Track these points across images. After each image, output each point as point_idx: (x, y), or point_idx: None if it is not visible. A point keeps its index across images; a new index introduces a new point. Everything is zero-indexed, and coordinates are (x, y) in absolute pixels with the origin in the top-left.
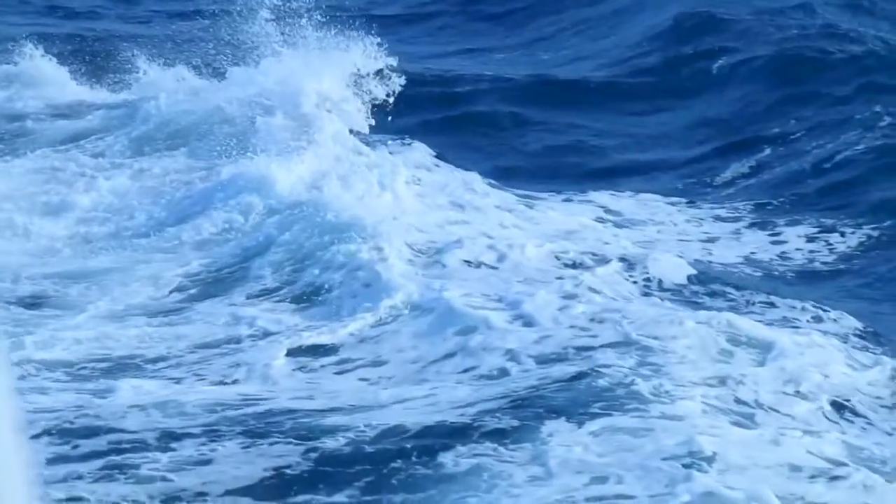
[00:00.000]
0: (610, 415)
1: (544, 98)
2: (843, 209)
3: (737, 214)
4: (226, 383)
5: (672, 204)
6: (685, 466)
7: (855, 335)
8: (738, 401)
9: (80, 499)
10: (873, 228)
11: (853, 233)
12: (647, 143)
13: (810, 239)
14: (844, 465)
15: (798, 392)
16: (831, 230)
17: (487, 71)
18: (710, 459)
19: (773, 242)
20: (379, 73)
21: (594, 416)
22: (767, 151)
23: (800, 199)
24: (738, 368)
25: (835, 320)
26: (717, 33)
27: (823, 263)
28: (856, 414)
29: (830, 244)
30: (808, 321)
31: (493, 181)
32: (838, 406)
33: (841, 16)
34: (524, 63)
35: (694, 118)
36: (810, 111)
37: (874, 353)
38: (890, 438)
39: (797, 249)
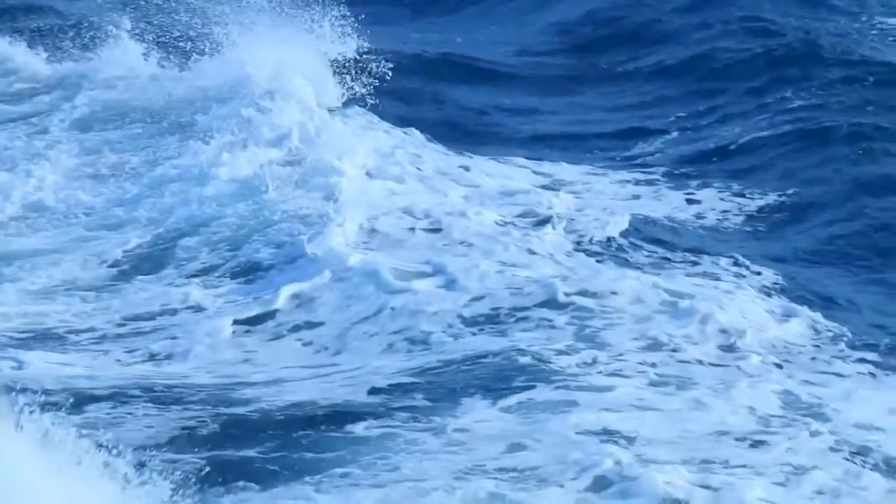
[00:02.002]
0: (534, 386)
1: (461, 76)
2: (750, 177)
3: (654, 178)
4: (149, 355)
5: (593, 173)
6: (602, 442)
7: (776, 290)
8: (668, 364)
9: None
10: (779, 195)
11: (761, 198)
12: (564, 121)
13: (723, 201)
14: (771, 424)
15: (729, 349)
16: (740, 195)
17: (407, 50)
18: (628, 433)
19: (690, 202)
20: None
21: (516, 389)
22: (675, 134)
23: (711, 169)
24: (668, 329)
25: (756, 274)
26: (635, 26)
27: (736, 224)
28: (783, 369)
29: (742, 206)
30: (731, 277)
31: (430, 145)
32: (768, 363)
33: (762, 5)
34: (440, 43)
35: (608, 102)
36: (722, 100)
37: (795, 306)
38: (817, 389)
39: (712, 209)
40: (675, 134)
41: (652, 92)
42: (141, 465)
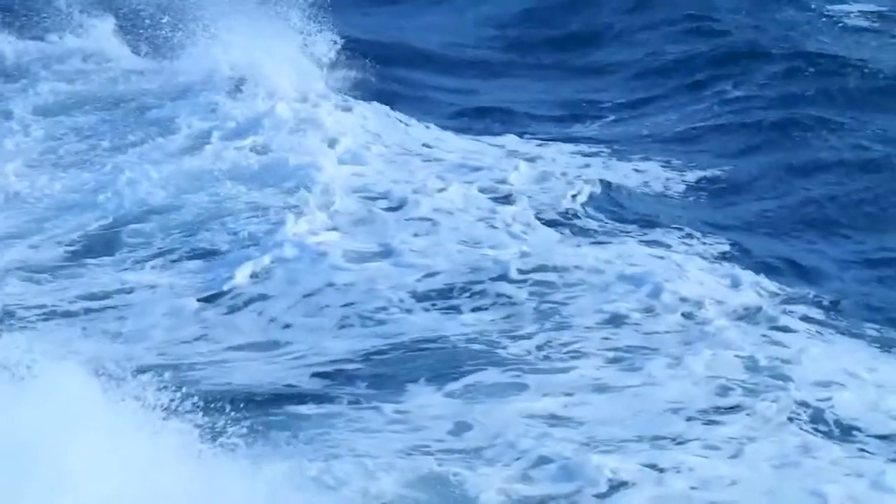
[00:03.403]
0: (484, 370)
1: (413, 61)
2: (687, 156)
3: (598, 151)
4: (101, 333)
5: (542, 146)
6: (550, 425)
7: (724, 258)
8: (624, 339)
9: None
10: (716, 170)
11: (701, 171)
12: (509, 105)
13: (667, 176)
14: (728, 394)
15: (686, 318)
16: (680, 170)
17: (362, 37)
18: (578, 414)
19: (637, 171)
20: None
21: (465, 372)
22: (612, 118)
23: (651, 147)
24: (625, 302)
25: (704, 243)
26: (578, 22)
27: (680, 193)
28: (738, 336)
29: (683, 178)
30: (681, 246)
31: (389, 124)
32: (724, 331)
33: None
34: (388, 31)
35: (548, 87)
36: (660, 91)
37: (743, 272)
38: (773, 353)
39: (656, 179)
40: (611, 118)
41: (590, 83)
42: None
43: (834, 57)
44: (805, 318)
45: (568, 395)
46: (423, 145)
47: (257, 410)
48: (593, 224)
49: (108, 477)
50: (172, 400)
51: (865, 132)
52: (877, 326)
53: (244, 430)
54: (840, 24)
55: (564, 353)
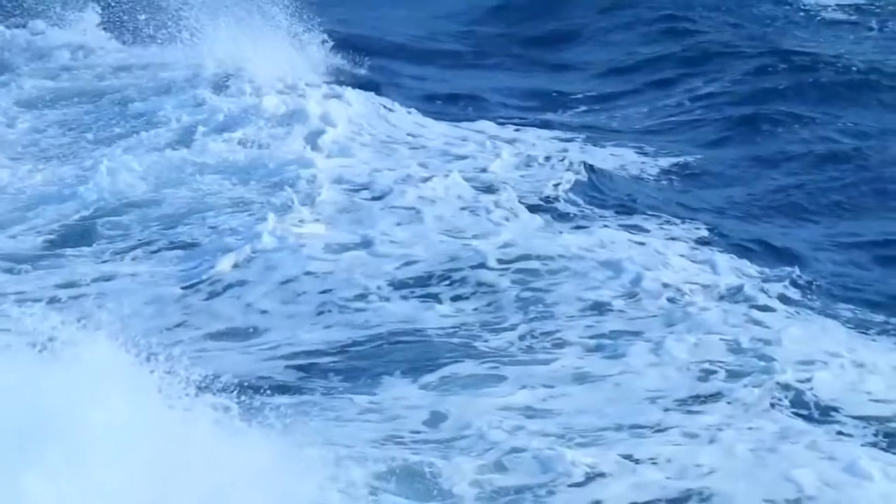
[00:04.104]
0: (461, 362)
1: (388, 54)
2: (658, 144)
3: (572, 137)
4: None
5: (519, 130)
6: (527, 416)
7: (700, 242)
8: (605, 328)
9: None
10: (690, 157)
11: (673, 158)
12: (483, 94)
13: (642, 162)
14: (709, 379)
15: (670, 303)
16: (655, 156)
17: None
18: (555, 407)
19: (613, 156)
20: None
21: (441, 364)
22: (583, 108)
23: (623, 136)
24: (608, 290)
25: (680, 227)
26: (553, 21)
27: (655, 182)
28: (720, 320)
29: (659, 166)
30: (659, 231)
31: (374, 114)
32: (705, 314)
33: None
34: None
35: (527, 83)
36: (630, 86)
37: (720, 256)
38: (754, 334)
39: (632, 164)
40: (582, 108)
41: (561, 77)
42: None
43: (807, 53)
44: (784, 299)
45: (547, 386)
46: (408, 134)
47: (231, 399)
48: (573, 210)
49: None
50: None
51: (836, 125)
52: (852, 307)
53: (216, 419)
54: (818, 18)
55: (546, 343)
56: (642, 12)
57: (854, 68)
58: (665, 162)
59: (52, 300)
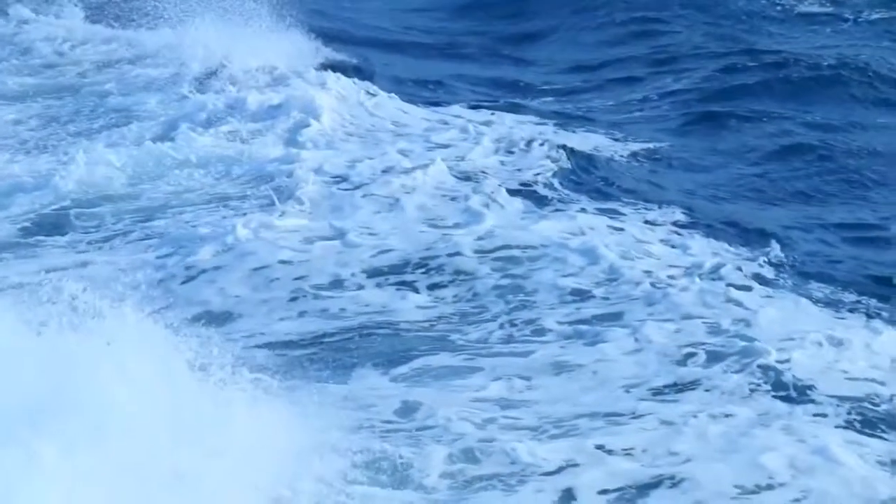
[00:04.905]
0: (436, 354)
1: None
2: (626, 131)
3: (544, 122)
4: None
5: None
6: (502, 407)
7: (676, 225)
8: (583, 315)
9: None
10: (657, 143)
11: (640, 145)
12: (455, 82)
13: (613, 149)
14: (687, 364)
15: (650, 288)
16: (622, 140)
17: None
18: (528, 398)
19: (586, 141)
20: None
21: (415, 355)
22: (550, 99)
23: (594, 124)
24: (586, 277)
25: (654, 211)
26: (524, 20)
27: (627, 168)
28: (698, 303)
29: (630, 153)
30: (635, 215)
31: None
32: (683, 298)
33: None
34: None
35: (495, 72)
36: (596, 81)
37: (696, 238)
38: (733, 315)
39: (607, 148)
40: (549, 98)
41: (528, 69)
42: None
43: (779, 51)
44: (759, 279)
45: (523, 377)
46: (391, 122)
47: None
48: (553, 194)
49: None
50: None
51: (803, 120)
52: (823, 286)
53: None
54: (794, 12)
55: (525, 331)
56: (616, 14)
57: (825, 63)
58: (636, 147)
59: (25, 286)
